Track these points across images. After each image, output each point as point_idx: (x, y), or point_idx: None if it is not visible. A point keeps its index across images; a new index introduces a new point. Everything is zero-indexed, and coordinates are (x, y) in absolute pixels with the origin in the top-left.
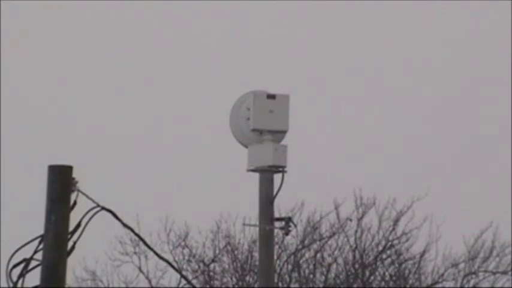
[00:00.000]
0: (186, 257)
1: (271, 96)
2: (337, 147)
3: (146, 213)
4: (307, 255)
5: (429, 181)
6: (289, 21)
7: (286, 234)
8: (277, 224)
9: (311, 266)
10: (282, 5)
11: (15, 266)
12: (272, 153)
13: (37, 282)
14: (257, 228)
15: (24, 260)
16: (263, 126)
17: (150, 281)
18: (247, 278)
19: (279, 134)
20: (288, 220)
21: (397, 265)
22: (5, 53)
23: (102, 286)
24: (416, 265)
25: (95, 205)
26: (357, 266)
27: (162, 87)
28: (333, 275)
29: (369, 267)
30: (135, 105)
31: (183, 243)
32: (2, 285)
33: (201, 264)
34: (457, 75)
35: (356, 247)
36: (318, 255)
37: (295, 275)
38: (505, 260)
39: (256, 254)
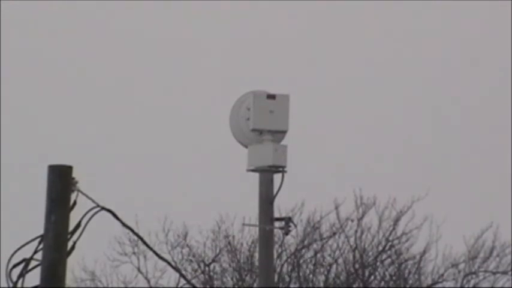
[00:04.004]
0: (186, 257)
1: (271, 96)
2: (337, 147)
3: (145, 214)
4: (307, 255)
5: (429, 181)
6: (289, 21)
7: (286, 234)
8: (277, 224)
9: (311, 266)
10: (282, 5)
11: (15, 266)
12: (272, 153)
13: (37, 282)
14: (257, 228)
15: (24, 260)
16: (263, 126)
17: (149, 281)
18: (247, 278)
19: (279, 134)
20: (288, 220)
21: (397, 265)
22: (5, 52)
23: (101, 286)
24: (416, 265)
25: (94, 205)
26: (357, 266)
27: (161, 86)
28: (333, 275)
29: (369, 267)
30: (134, 105)
31: (183, 243)
32: (2, 285)
33: (202, 264)
34: (457, 75)
35: (356, 247)
36: (318, 255)
37: (295, 275)
38: (505, 260)
39: (256, 254)
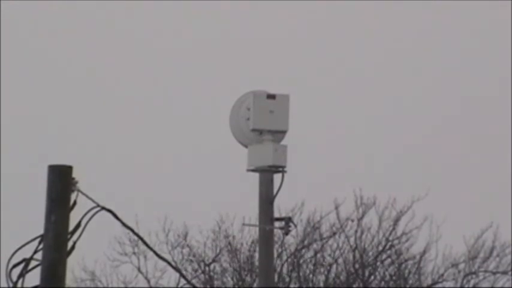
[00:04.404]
0: (186, 257)
1: (271, 96)
2: (337, 147)
3: (145, 214)
4: (307, 255)
5: (429, 181)
6: (289, 21)
7: (286, 234)
8: (277, 224)
9: (311, 266)
10: (282, 5)
11: (15, 266)
12: (272, 153)
13: (37, 282)
14: (257, 228)
15: (24, 260)
16: (263, 126)
17: (149, 281)
18: (247, 278)
19: (279, 134)
20: (288, 220)
21: (397, 265)
22: (5, 52)
23: (101, 286)
24: (416, 265)
25: (94, 205)
26: (357, 266)
27: (161, 87)
28: (333, 275)
29: (369, 267)
30: (134, 105)
31: (183, 243)
32: (2, 285)
33: (202, 264)
34: (457, 76)
35: (356, 247)
36: (318, 255)
37: (295, 275)
38: (505, 260)
39: (256, 254)
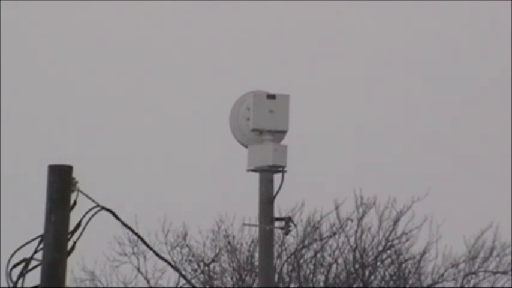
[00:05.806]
0: (186, 257)
1: (271, 96)
2: (337, 147)
3: (145, 214)
4: (307, 255)
5: (429, 181)
6: (289, 21)
7: (286, 234)
8: (277, 224)
9: (311, 266)
10: (283, 5)
11: (15, 266)
12: (272, 153)
13: (37, 282)
14: (257, 228)
15: (24, 260)
16: (263, 126)
17: (148, 281)
18: (247, 278)
19: (279, 134)
20: (288, 220)
21: (397, 265)
22: (5, 52)
23: (100, 286)
24: (416, 265)
25: (94, 205)
26: (357, 266)
27: (162, 87)
28: (333, 275)
29: (369, 267)
30: (134, 105)
31: (183, 242)
32: (2, 285)
33: (201, 264)
34: (457, 75)
35: (356, 247)
36: (318, 255)
37: (295, 275)
38: (505, 260)
39: (256, 254)
